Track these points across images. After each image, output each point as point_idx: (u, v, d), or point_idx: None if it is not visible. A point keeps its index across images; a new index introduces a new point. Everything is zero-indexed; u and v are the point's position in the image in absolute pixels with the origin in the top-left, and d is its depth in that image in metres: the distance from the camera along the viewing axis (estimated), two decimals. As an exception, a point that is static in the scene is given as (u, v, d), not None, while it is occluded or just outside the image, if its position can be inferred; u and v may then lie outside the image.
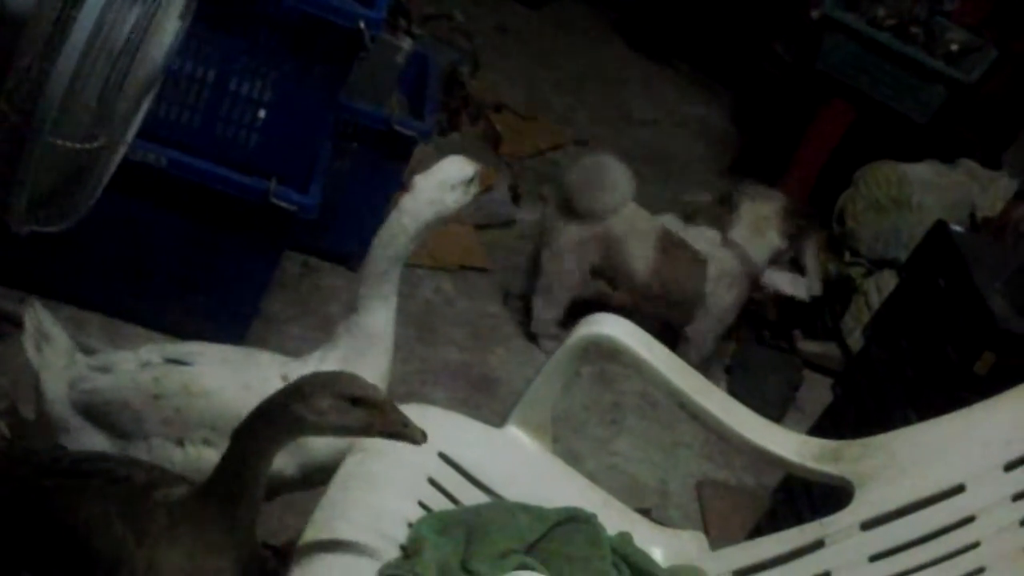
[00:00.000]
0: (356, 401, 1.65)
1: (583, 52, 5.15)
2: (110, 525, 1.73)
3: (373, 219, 3.26)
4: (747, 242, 3.37)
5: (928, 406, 2.41)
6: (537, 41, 5.03)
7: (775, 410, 3.35)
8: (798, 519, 2.69)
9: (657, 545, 2.14)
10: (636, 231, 3.30)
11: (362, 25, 2.52)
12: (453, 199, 2.13)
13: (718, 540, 2.89)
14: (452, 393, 3.04)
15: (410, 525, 1.91)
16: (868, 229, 3.77)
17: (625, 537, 2.06)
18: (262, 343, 2.90)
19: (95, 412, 2.16)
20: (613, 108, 4.82)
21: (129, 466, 1.84)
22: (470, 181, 2.14)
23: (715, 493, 3.05)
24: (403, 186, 3.45)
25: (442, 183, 2.12)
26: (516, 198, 3.88)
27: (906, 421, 2.42)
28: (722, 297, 3.35)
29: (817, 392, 3.54)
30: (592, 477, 2.94)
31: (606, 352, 2.17)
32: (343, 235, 3.20)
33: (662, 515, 2.91)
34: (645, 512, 2.79)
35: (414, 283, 3.37)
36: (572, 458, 2.84)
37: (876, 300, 3.57)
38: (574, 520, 2.01)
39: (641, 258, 3.29)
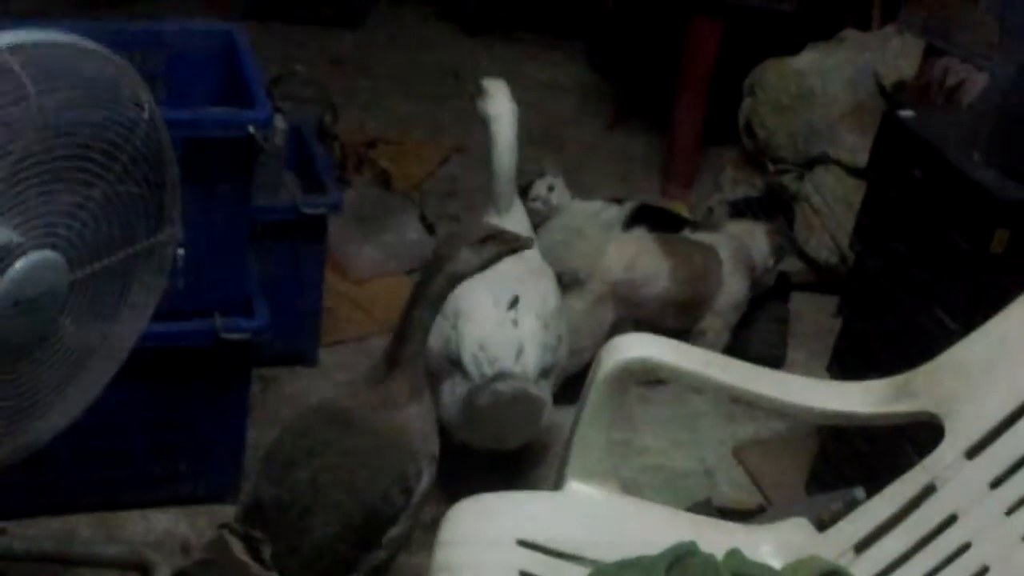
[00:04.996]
0: (484, 240, 2.12)
1: (422, 54, 4.99)
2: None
3: (311, 305, 3.13)
4: (741, 238, 3.27)
5: (957, 302, 2.33)
6: (375, 60, 4.87)
7: (778, 350, 3.26)
8: (855, 453, 2.62)
9: (765, 544, 2.03)
10: (638, 256, 3.08)
11: (252, 129, 2.34)
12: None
13: (779, 496, 2.82)
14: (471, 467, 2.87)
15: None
16: (781, 133, 3.68)
17: (736, 555, 1.93)
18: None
19: None
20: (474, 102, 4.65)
21: None
22: None
23: (755, 452, 2.94)
24: (331, 261, 3.31)
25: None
26: (431, 228, 3.72)
27: (942, 326, 2.35)
28: (736, 283, 3.18)
29: (802, 315, 3.47)
30: (633, 484, 2.87)
31: (638, 374, 2.05)
32: (288, 335, 3.02)
33: (718, 495, 2.80)
34: (705, 504, 2.70)
35: (368, 352, 3.20)
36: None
37: (819, 201, 3.49)
38: (681, 559, 1.89)
39: (656, 277, 3.07)
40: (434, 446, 2.18)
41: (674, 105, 4.08)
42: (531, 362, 2.56)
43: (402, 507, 2.08)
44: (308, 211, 2.91)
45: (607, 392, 2.03)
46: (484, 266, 2.14)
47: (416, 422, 2.15)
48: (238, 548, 2.00)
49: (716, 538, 1.99)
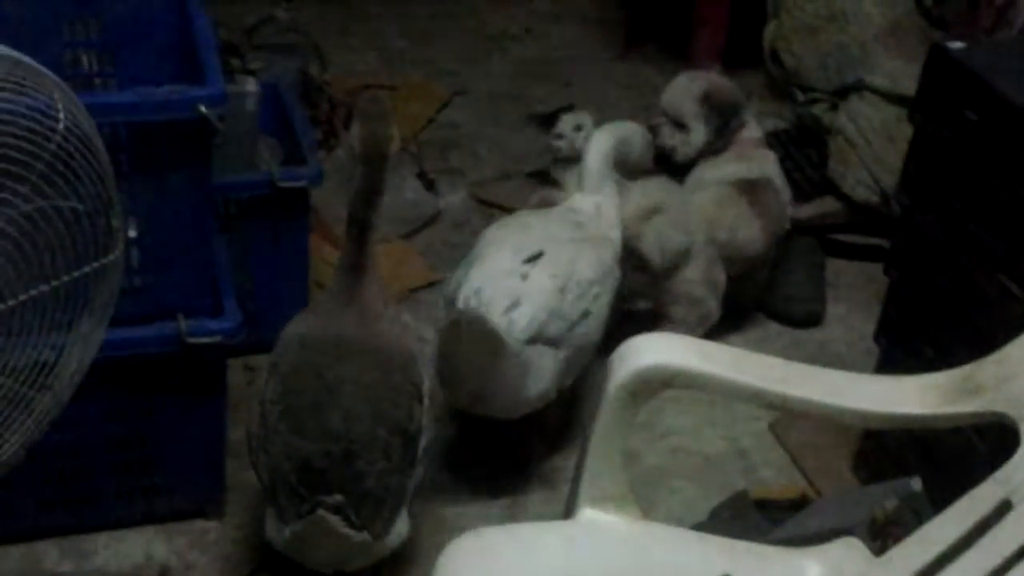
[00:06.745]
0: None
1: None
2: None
3: (296, 285, 2.83)
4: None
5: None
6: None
7: (817, 305, 2.96)
8: (906, 429, 2.32)
9: (811, 571, 1.74)
10: (737, 217, 2.87)
11: (203, 108, 2.04)
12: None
13: (824, 481, 2.53)
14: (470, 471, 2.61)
15: None
16: (811, 59, 3.33)
17: (780, 590, 1.66)
18: (243, 484, 2.48)
19: None
20: (475, 37, 4.31)
21: None
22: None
23: (794, 429, 2.63)
24: (321, 230, 3.02)
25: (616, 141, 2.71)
26: (430, 184, 3.42)
27: (1007, 293, 2.05)
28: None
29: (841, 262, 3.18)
30: (659, 471, 2.59)
31: (655, 384, 1.75)
32: (273, 318, 2.70)
33: (755, 483, 2.51)
34: (741, 497, 2.42)
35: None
36: (632, 458, 2.45)
37: (855, 133, 3.15)
38: (716, 598, 1.62)
39: (753, 241, 2.89)
40: (414, 339, 2.28)
41: (692, 29, 3.80)
42: (524, 319, 2.31)
43: (421, 416, 2.11)
44: (285, 184, 2.61)
45: (620, 406, 1.73)
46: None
47: (398, 324, 2.22)
48: (337, 522, 1.94)
49: (755, 567, 1.72)
